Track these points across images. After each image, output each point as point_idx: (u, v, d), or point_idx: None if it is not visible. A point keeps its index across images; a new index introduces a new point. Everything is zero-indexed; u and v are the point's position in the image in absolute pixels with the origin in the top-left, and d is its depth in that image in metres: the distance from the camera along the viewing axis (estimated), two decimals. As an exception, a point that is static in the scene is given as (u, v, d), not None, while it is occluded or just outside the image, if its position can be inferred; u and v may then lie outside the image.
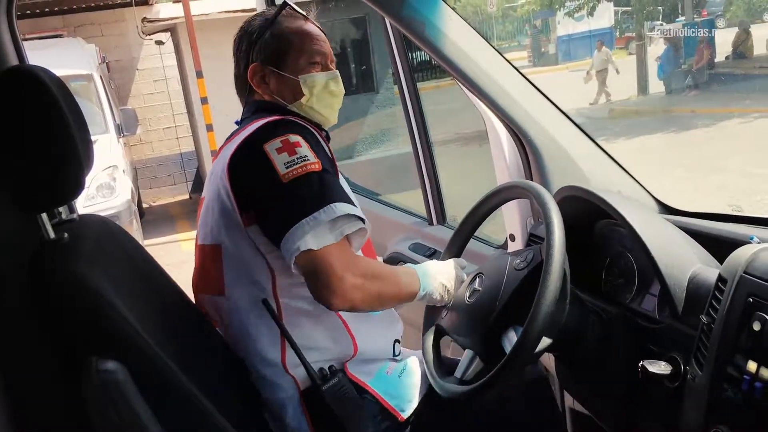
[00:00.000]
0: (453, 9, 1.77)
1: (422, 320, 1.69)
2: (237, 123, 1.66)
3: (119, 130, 7.56)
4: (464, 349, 1.54)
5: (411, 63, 2.54)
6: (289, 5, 1.67)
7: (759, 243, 1.27)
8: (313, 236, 1.37)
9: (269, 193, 1.42)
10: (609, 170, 1.84)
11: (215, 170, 1.56)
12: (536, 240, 1.89)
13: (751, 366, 1.09)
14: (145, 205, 10.50)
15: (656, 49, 14.39)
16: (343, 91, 1.67)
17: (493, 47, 1.83)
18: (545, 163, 1.84)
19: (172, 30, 10.26)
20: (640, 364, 1.31)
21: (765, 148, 7.96)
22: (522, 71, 1.88)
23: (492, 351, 1.45)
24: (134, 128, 7.78)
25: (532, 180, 1.84)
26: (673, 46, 13.35)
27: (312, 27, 1.66)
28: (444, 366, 1.58)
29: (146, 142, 11.47)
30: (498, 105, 1.80)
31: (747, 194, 6.22)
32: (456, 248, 1.72)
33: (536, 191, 1.46)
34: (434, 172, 2.57)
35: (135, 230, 6.71)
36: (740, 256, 1.20)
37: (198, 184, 10.97)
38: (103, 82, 7.82)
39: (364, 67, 10.76)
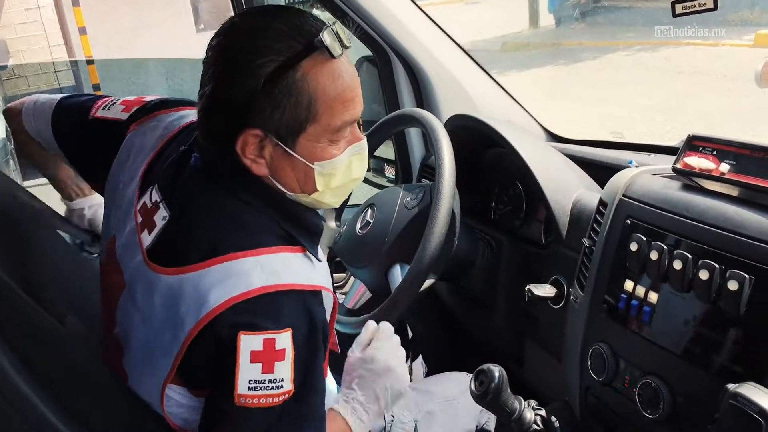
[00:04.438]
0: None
1: None
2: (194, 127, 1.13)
3: (-13, 63, 7.00)
4: (354, 278, 1.54)
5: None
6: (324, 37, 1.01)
7: (637, 167, 1.31)
8: None
9: (213, 402, 1.03)
10: (499, 100, 1.86)
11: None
12: (428, 171, 1.89)
13: (629, 285, 1.14)
14: (23, 144, 9.85)
15: (547, -19, 14.61)
16: (367, 167, 1.16)
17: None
18: (436, 92, 1.83)
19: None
20: (526, 288, 1.36)
21: (646, 79, 8.31)
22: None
23: (379, 285, 1.45)
24: (5, 60, 7.22)
25: (423, 108, 1.82)
26: (563, -22, 13.59)
27: (345, 73, 1.04)
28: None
29: (20, 75, 10.59)
30: (388, 33, 1.77)
31: (629, 123, 6.50)
32: None
33: (429, 123, 1.43)
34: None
35: (12, 170, 6.28)
36: (619, 179, 1.24)
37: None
38: (-35, 10, 7.17)
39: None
